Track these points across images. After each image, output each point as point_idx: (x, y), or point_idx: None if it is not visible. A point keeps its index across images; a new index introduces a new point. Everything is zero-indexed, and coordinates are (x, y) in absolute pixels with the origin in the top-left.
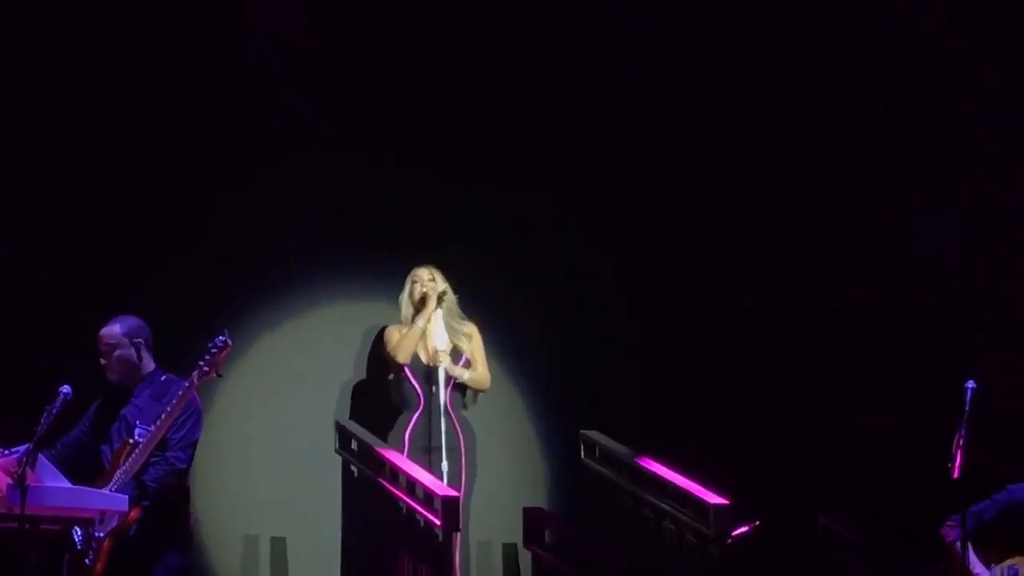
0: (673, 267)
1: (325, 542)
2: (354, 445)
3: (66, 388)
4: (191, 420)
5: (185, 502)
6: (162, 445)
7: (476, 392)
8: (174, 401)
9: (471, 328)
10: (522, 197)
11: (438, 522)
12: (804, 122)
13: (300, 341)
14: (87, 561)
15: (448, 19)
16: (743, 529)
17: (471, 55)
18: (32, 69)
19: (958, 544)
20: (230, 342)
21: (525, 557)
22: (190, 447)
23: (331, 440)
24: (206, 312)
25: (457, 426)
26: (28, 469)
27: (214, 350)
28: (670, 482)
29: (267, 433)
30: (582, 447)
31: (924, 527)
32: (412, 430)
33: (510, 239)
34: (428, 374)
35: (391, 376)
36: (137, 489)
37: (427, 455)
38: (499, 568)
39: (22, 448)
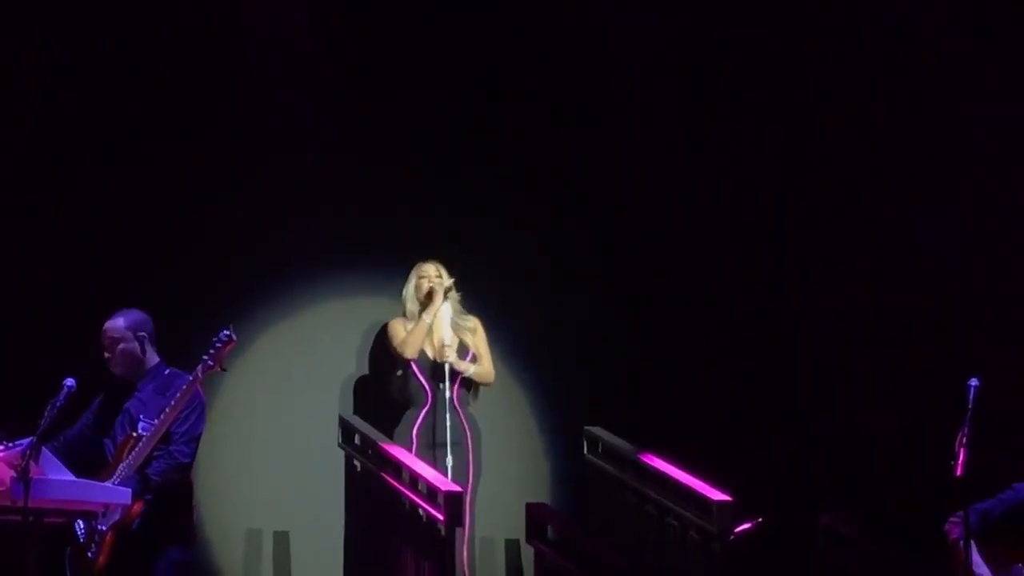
0: (673, 267)
1: (328, 537)
2: (357, 440)
3: (70, 381)
4: (195, 414)
5: (188, 496)
6: (166, 439)
7: (479, 387)
8: (178, 395)
9: (475, 322)
10: (522, 197)
11: (441, 517)
12: (804, 122)
13: (300, 339)
14: (89, 554)
15: (448, 19)
16: (746, 526)
17: (471, 55)
18: (32, 69)
19: (961, 542)
20: (234, 336)
21: (528, 553)
22: (194, 441)
23: (334, 435)
24: (206, 312)
25: (464, 422)
26: (32, 462)
27: (219, 344)
28: (673, 478)
29: (269, 428)
30: (585, 443)
31: (924, 527)
32: (419, 426)
33: (510, 239)
34: (434, 369)
35: (398, 372)
36: (140, 483)
37: (433, 451)
38: (502, 564)
39: (25, 441)
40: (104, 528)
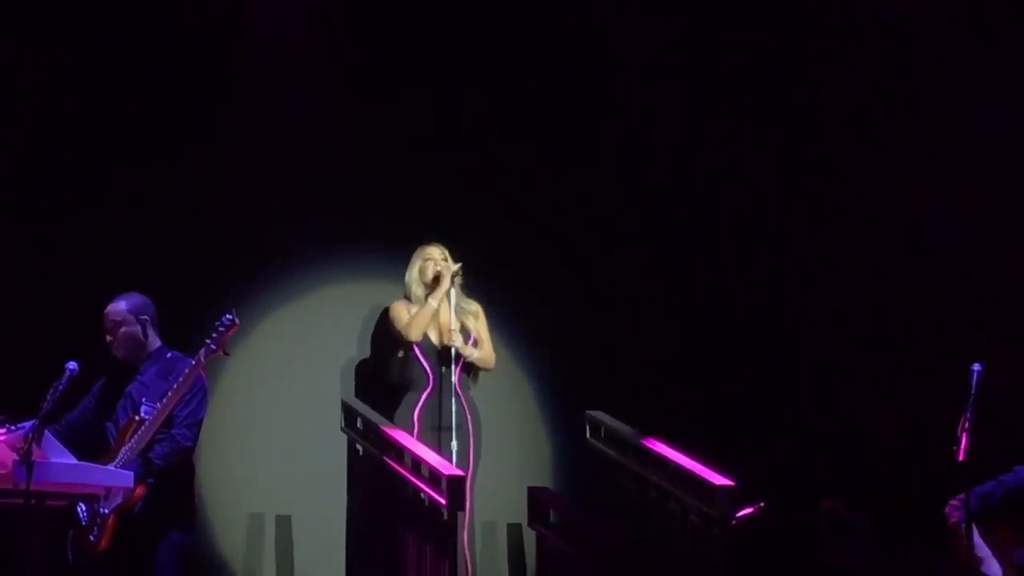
0: (673, 267)
1: (330, 520)
2: (360, 424)
3: (72, 364)
4: (197, 398)
5: (190, 480)
6: (168, 423)
7: (479, 371)
8: (180, 379)
9: (477, 307)
10: (522, 195)
11: (443, 501)
12: (804, 122)
13: (303, 323)
14: (91, 537)
15: (448, 19)
16: (747, 511)
17: (471, 55)
18: (32, 69)
19: (962, 525)
20: (237, 321)
21: (530, 536)
22: (196, 425)
23: (336, 419)
24: (206, 312)
25: (466, 405)
26: (34, 445)
27: (221, 328)
28: (675, 463)
29: (272, 412)
30: (587, 427)
31: (924, 527)
32: (421, 409)
33: (511, 237)
34: (439, 353)
35: (400, 354)
36: (143, 466)
37: (437, 434)
38: (503, 547)
39: (28, 424)
40: (106, 511)
